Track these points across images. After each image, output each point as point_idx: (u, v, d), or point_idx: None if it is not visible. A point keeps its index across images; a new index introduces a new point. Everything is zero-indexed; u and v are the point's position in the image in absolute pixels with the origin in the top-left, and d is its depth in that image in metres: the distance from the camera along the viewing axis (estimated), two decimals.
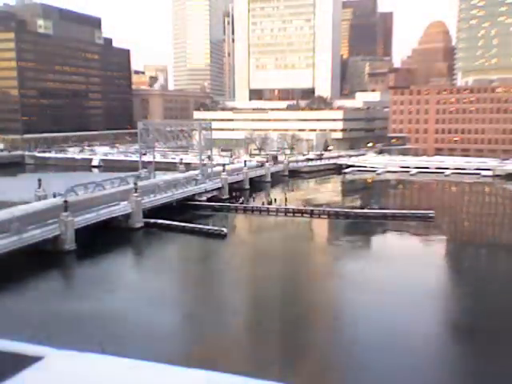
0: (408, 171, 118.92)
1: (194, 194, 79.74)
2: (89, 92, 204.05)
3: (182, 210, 72.74)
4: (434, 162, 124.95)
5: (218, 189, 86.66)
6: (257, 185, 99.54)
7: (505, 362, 29.52)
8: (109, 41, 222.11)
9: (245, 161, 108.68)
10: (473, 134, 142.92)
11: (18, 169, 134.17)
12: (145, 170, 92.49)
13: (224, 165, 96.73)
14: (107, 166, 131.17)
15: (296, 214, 72.18)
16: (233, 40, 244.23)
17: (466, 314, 38.46)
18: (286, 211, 73.40)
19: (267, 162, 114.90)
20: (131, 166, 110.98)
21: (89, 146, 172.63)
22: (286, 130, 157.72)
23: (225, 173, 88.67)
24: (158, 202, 70.00)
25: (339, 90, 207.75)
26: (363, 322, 35.15)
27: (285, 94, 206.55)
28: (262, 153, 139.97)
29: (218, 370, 4.85)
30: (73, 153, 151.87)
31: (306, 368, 29.28)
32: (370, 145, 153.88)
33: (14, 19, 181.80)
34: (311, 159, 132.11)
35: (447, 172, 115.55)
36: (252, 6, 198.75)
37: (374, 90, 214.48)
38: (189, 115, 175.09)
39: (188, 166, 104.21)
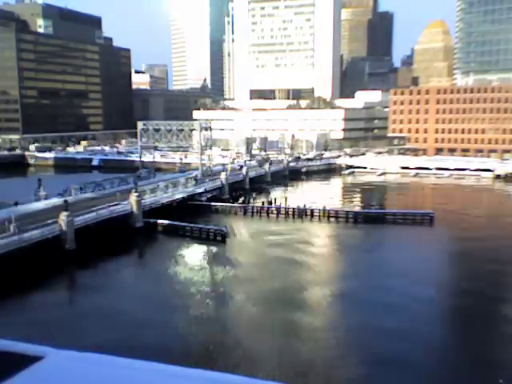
0: (408, 171, 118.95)
1: (193, 194, 79.71)
2: (89, 92, 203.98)
3: (182, 209, 72.71)
4: (434, 162, 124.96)
5: (218, 189, 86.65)
6: (257, 185, 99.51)
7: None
8: (109, 40, 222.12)
9: (245, 160, 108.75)
10: (473, 133, 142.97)
11: (18, 169, 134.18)
12: (145, 169, 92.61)
13: (224, 165, 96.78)
14: (107, 166, 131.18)
15: (296, 214, 72.15)
16: (233, 40, 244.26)
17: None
18: (287, 211, 73.36)
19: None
20: (131, 166, 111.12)
21: (89, 145, 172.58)
22: (286, 129, 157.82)
23: (225, 173, 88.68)
24: (158, 202, 69.99)
25: (339, 89, 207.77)
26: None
27: (285, 94, 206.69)
28: (263, 153, 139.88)
29: (218, 369, 4.85)
30: (74, 153, 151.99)
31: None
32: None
33: (13, 19, 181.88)
34: (311, 159, 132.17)
35: (447, 172, 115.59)
36: (252, 6, 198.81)
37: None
38: (189, 115, 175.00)
39: (188, 166, 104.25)
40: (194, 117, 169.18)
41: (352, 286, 43.84)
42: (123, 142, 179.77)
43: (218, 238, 59.32)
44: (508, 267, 49.76)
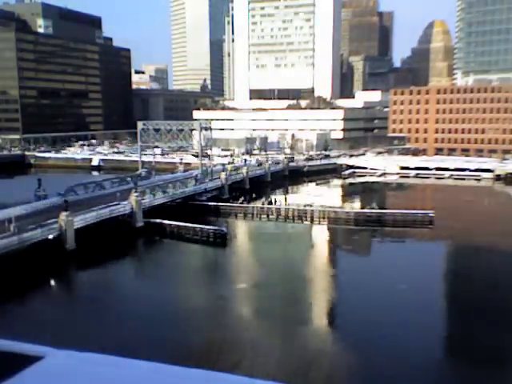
0: (408, 171, 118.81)
1: (193, 194, 79.72)
2: (89, 92, 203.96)
3: (182, 209, 72.73)
4: (434, 162, 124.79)
5: (218, 189, 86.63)
6: (257, 185, 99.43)
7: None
8: (109, 40, 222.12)
9: (245, 160, 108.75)
10: (473, 133, 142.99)
11: (18, 169, 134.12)
12: (145, 169, 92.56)
13: (225, 164, 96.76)
14: (107, 166, 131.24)
15: (296, 215, 72.14)
16: (233, 40, 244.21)
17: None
18: (287, 211, 73.34)
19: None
20: (131, 166, 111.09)
21: (89, 145, 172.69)
22: (286, 129, 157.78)
23: (225, 173, 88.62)
24: (158, 202, 70.01)
25: (339, 89, 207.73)
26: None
27: (285, 94, 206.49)
28: (263, 153, 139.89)
29: (218, 369, 4.85)
30: (73, 152, 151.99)
31: None
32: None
33: (13, 19, 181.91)
34: (311, 159, 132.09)
35: (447, 173, 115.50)
36: (252, 6, 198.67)
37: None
38: (189, 115, 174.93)
39: (188, 166, 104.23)
40: (194, 117, 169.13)
41: (351, 289, 43.92)
42: (117, 144, 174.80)
43: (217, 239, 59.30)
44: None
